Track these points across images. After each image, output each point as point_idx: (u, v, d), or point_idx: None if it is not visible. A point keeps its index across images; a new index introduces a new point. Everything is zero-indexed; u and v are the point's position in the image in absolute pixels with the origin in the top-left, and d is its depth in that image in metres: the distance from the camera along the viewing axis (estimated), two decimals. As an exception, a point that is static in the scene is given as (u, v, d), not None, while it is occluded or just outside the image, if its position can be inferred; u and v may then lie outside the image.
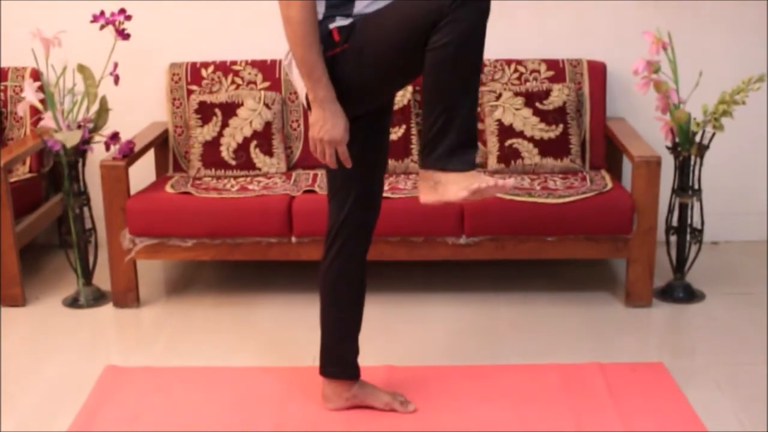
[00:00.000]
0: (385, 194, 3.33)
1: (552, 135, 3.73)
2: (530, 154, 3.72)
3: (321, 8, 2.38)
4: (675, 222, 3.64)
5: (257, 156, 3.78)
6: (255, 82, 3.93)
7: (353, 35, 2.36)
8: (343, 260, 2.63)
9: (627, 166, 3.87)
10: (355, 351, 2.77)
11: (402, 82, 2.56)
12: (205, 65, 3.96)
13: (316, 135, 2.40)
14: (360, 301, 2.72)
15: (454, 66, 2.29)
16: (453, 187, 2.31)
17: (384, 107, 2.63)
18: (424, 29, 2.27)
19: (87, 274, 3.69)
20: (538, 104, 3.76)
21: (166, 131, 3.97)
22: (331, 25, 2.37)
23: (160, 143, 3.94)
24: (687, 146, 3.50)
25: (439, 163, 2.33)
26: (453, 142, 2.32)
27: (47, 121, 3.51)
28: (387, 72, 2.42)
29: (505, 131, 3.75)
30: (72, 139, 3.47)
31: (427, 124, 2.35)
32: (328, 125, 2.37)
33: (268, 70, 3.94)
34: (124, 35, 3.51)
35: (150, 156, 3.95)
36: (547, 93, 3.78)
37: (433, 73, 2.31)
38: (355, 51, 2.36)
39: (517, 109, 3.76)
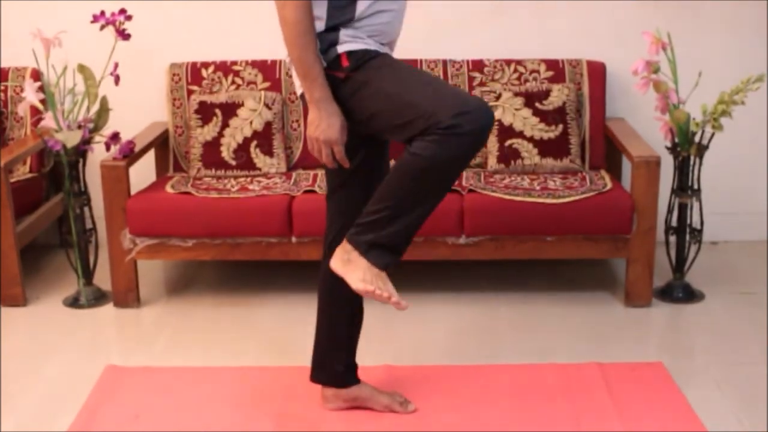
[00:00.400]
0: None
1: (552, 135, 3.74)
2: (530, 154, 3.72)
3: (322, 12, 2.38)
4: (674, 222, 3.65)
5: (257, 156, 3.78)
6: (255, 83, 3.93)
7: (359, 72, 2.37)
8: None
9: (627, 166, 3.87)
10: (345, 361, 2.75)
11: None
12: (206, 65, 3.96)
13: (313, 134, 2.41)
14: (355, 311, 2.71)
15: (420, 178, 2.32)
16: (358, 274, 2.37)
17: None
18: (413, 127, 2.28)
19: (87, 274, 3.69)
20: (537, 104, 3.76)
21: (166, 131, 3.97)
22: (340, 49, 2.38)
23: (161, 143, 3.95)
24: (686, 146, 3.50)
25: (360, 246, 2.38)
26: (383, 239, 2.38)
27: (48, 121, 3.51)
28: (376, 123, 2.41)
29: (505, 131, 3.75)
30: (72, 139, 3.48)
31: (370, 208, 2.39)
32: (324, 125, 2.38)
33: (269, 70, 3.94)
34: (124, 35, 3.51)
35: (150, 156, 3.95)
36: (546, 93, 3.78)
37: (400, 172, 2.34)
38: (355, 86, 2.38)
39: (516, 109, 3.76)
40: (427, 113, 2.25)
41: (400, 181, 2.34)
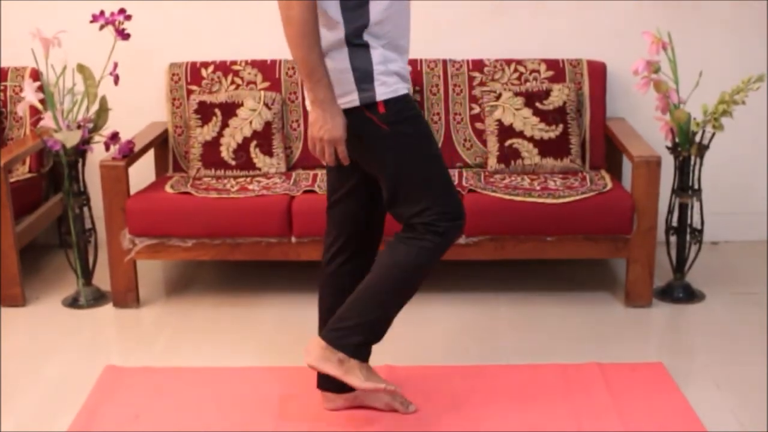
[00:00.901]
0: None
1: (552, 135, 3.74)
2: (530, 154, 3.72)
3: (338, 15, 2.37)
4: (675, 222, 3.64)
5: (257, 156, 3.78)
6: (255, 82, 3.93)
7: (392, 126, 2.44)
8: (350, 270, 2.69)
9: (627, 166, 3.87)
10: None
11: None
12: (205, 65, 3.96)
13: (316, 134, 2.41)
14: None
15: (409, 282, 2.59)
16: (357, 374, 2.59)
17: None
18: (419, 214, 2.50)
19: (87, 274, 3.69)
20: (538, 104, 3.76)
21: (166, 131, 3.97)
22: (379, 95, 2.41)
23: (160, 143, 3.94)
24: (687, 146, 3.50)
25: (348, 349, 2.58)
26: (371, 338, 2.62)
27: (47, 121, 3.51)
28: (384, 180, 2.55)
29: (505, 131, 3.75)
30: (72, 139, 3.47)
31: (353, 312, 2.58)
32: (328, 125, 2.38)
33: (268, 70, 3.94)
34: (124, 35, 3.51)
35: (150, 156, 3.95)
36: (547, 93, 3.78)
37: (385, 279, 2.56)
38: (382, 137, 2.45)
39: (517, 109, 3.76)
40: (429, 208, 2.47)
41: (386, 285, 2.56)
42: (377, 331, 2.62)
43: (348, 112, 2.42)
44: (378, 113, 2.42)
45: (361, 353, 2.61)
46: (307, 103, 2.45)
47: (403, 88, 2.46)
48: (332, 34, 2.39)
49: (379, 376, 2.66)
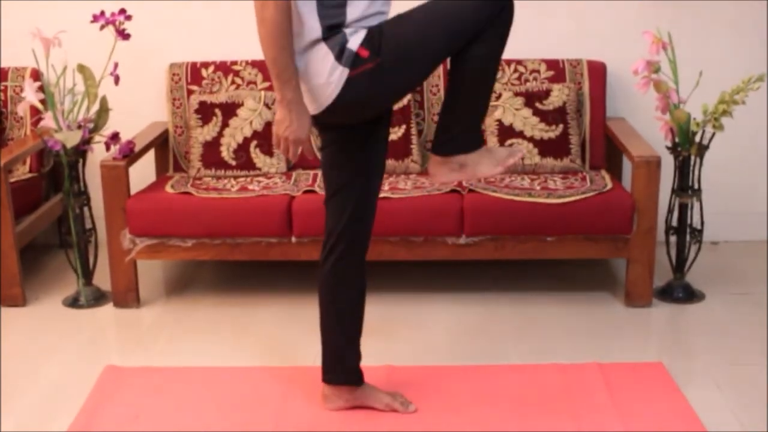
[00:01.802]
0: (384, 194, 3.36)
1: (552, 135, 3.74)
2: (530, 154, 3.72)
3: (314, 21, 2.37)
4: (675, 222, 3.64)
5: (257, 156, 3.78)
6: (255, 82, 3.93)
7: (382, 49, 2.38)
8: (343, 266, 2.64)
9: (627, 166, 3.87)
10: (357, 356, 2.77)
11: (412, 91, 2.63)
12: (205, 65, 3.96)
13: (282, 134, 2.45)
14: (360, 306, 2.72)
15: (493, 71, 2.52)
16: (486, 163, 2.54)
17: (384, 115, 2.63)
18: (468, 38, 2.39)
19: (87, 274, 3.69)
20: (538, 104, 3.76)
21: (166, 131, 3.97)
22: (354, 45, 2.37)
23: (160, 143, 3.94)
24: (687, 146, 3.50)
25: (465, 145, 2.53)
26: (477, 126, 2.57)
27: (47, 121, 3.51)
28: (407, 82, 2.52)
29: (505, 131, 3.75)
30: (72, 139, 3.47)
31: (458, 116, 2.52)
32: (294, 126, 2.42)
33: (268, 70, 3.93)
34: (124, 35, 3.51)
35: (150, 156, 3.95)
36: (547, 93, 3.78)
37: (479, 76, 2.47)
38: (381, 66, 2.38)
39: (517, 109, 3.76)
40: (478, 16, 2.38)
41: (484, 81, 2.49)
42: (480, 115, 2.59)
43: (346, 90, 2.40)
44: (364, 59, 2.38)
45: (476, 139, 2.57)
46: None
47: (365, 29, 2.42)
48: (309, 34, 2.40)
49: (496, 155, 2.59)
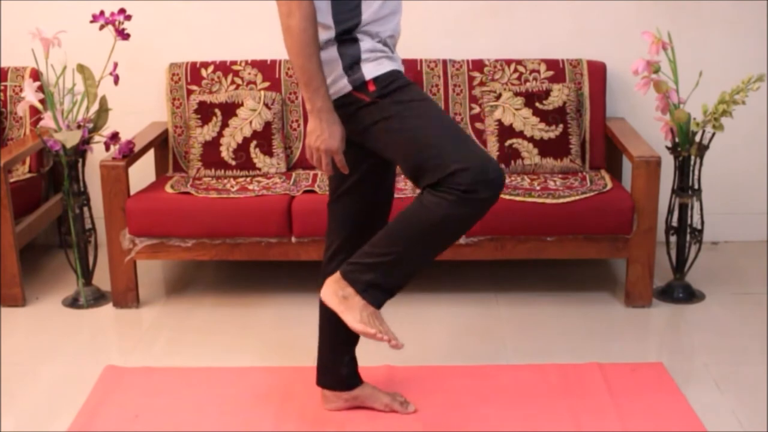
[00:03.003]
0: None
1: (552, 135, 3.74)
2: (530, 154, 3.72)
3: (328, 19, 2.36)
4: (675, 222, 3.64)
5: (257, 156, 3.78)
6: (255, 82, 3.93)
7: (385, 100, 2.37)
8: None
9: (627, 166, 3.87)
10: (350, 364, 2.76)
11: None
12: (205, 65, 3.96)
13: (313, 144, 2.39)
14: None
15: (430, 232, 2.36)
16: (355, 314, 2.41)
17: None
18: (430, 175, 2.31)
19: (87, 274, 3.69)
20: (538, 104, 3.76)
21: (166, 131, 3.97)
22: (367, 74, 2.37)
23: (160, 143, 3.94)
24: (687, 146, 3.50)
25: (358, 285, 2.42)
26: (381, 281, 2.42)
27: (47, 121, 3.51)
28: (392, 155, 2.44)
29: (505, 131, 3.75)
30: (72, 139, 3.47)
31: (373, 249, 2.42)
32: (325, 135, 2.36)
33: (268, 70, 3.94)
34: (124, 35, 3.51)
35: (150, 156, 3.95)
36: (547, 93, 3.78)
37: (409, 221, 2.37)
38: (378, 114, 2.38)
39: (517, 109, 3.76)
40: (448, 166, 2.27)
41: (409, 230, 2.37)
42: (392, 278, 2.43)
43: (341, 104, 2.40)
44: (368, 92, 2.38)
45: (371, 294, 2.42)
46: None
47: (391, 65, 2.42)
48: (322, 35, 2.39)
49: (387, 327, 2.46)
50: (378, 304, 2.44)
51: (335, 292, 2.44)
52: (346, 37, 2.39)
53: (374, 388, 2.80)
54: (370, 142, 2.45)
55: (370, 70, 2.39)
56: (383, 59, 2.41)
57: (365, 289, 2.42)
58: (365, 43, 2.39)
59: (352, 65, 2.38)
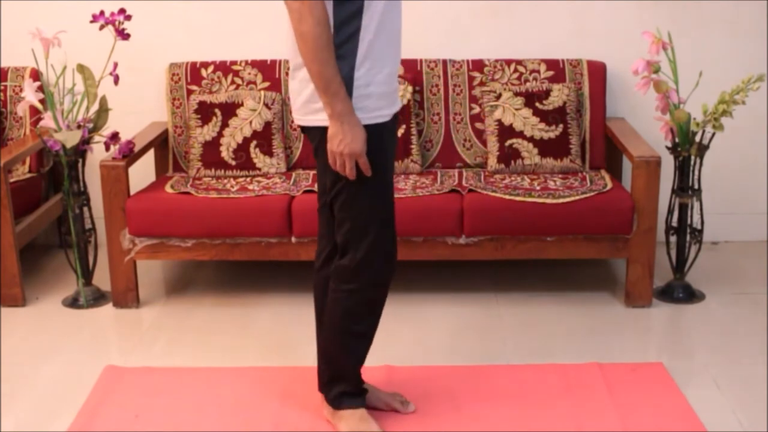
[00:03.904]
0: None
1: (552, 135, 3.74)
2: (530, 154, 3.72)
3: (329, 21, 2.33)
4: (675, 222, 3.64)
5: (257, 156, 3.78)
6: (255, 82, 3.93)
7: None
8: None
9: (627, 166, 3.87)
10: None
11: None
12: (205, 65, 3.96)
13: (336, 149, 2.35)
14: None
15: (349, 324, 2.61)
16: (347, 423, 2.64)
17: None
18: (348, 247, 2.52)
19: (87, 274, 3.69)
20: (538, 104, 3.76)
21: (166, 131, 3.97)
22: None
23: (160, 143, 3.94)
24: (687, 146, 3.50)
25: (332, 403, 2.68)
26: (344, 384, 2.66)
27: (47, 121, 3.51)
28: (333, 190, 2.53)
29: (505, 131, 3.75)
30: (72, 139, 3.47)
31: (322, 366, 2.69)
32: (348, 139, 2.33)
33: (268, 70, 3.94)
34: (124, 35, 3.51)
35: (150, 156, 3.95)
36: (547, 93, 3.78)
37: (331, 330, 2.64)
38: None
39: (517, 109, 3.76)
40: (363, 258, 2.48)
41: (334, 335, 2.60)
42: (350, 374, 2.65)
43: (317, 129, 2.42)
44: None
45: (346, 403, 2.64)
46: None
47: (380, 116, 2.39)
48: None
49: (373, 421, 2.64)
50: (356, 405, 2.65)
51: (326, 414, 2.70)
52: (341, 52, 2.35)
53: (374, 387, 2.80)
54: (324, 160, 2.48)
55: (360, 117, 2.40)
56: (374, 98, 2.40)
57: (338, 403, 2.65)
58: (360, 71, 2.37)
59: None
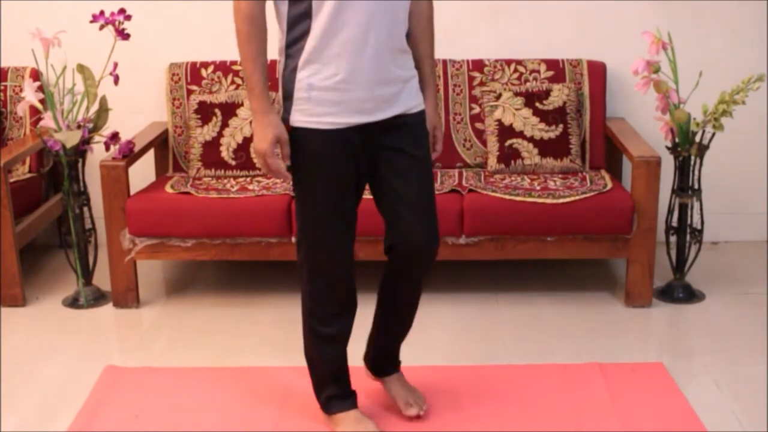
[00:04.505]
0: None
1: (552, 135, 3.74)
2: (530, 154, 3.72)
3: (282, 20, 2.38)
4: (675, 222, 3.64)
5: (257, 156, 3.78)
6: (255, 82, 3.92)
7: (293, 155, 2.45)
8: None
9: (627, 166, 3.87)
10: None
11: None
12: (205, 65, 3.96)
13: (253, 145, 2.45)
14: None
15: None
16: (344, 426, 2.65)
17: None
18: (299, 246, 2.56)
19: (87, 274, 3.69)
20: (538, 104, 3.76)
21: (166, 131, 3.97)
22: (292, 118, 2.41)
23: (160, 143, 3.94)
24: (687, 146, 3.50)
25: (325, 408, 2.70)
26: (334, 391, 2.69)
27: (47, 121, 3.51)
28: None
29: (505, 131, 3.75)
30: (72, 139, 3.47)
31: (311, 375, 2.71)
32: (257, 136, 2.38)
33: (268, 70, 3.92)
34: (124, 35, 3.51)
35: (150, 156, 3.95)
36: (547, 93, 3.78)
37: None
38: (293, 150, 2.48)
39: (517, 109, 3.76)
40: (304, 254, 2.49)
41: (306, 337, 2.61)
42: (327, 384, 2.64)
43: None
44: (288, 126, 2.42)
45: (336, 407, 2.64)
46: None
47: (321, 122, 2.37)
48: (279, 41, 2.43)
49: (368, 420, 2.64)
50: (346, 408, 2.64)
51: (324, 419, 2.69)
52: (289, 52, 2.45)
53: (396, 379, 2.81)
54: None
55: (295, 116, 2.44)
56: (311, 111, 2.42)
57: (328, 408, 2.66)
58: (305, 72, 2.42)
59: (285, 97, 2.47)
